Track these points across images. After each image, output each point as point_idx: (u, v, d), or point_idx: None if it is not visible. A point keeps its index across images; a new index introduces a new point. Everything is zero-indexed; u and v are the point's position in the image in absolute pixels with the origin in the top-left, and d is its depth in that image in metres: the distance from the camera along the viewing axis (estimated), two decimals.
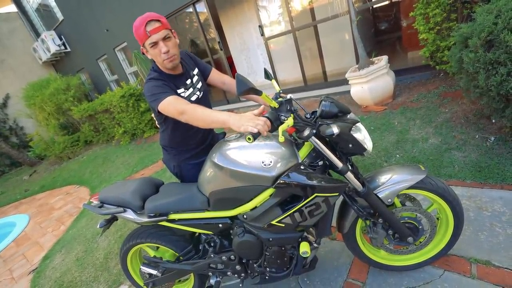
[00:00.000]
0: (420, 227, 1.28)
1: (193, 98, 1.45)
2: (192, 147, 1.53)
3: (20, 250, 3.47)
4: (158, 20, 1.24)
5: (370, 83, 3.15)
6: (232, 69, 6.20)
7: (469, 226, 1.53)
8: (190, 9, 5.58)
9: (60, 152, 7.84)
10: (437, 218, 1.36)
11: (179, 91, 1.38)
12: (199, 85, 1.50)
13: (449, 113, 2.64)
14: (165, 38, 1.27)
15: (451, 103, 2.78)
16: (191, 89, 1.45)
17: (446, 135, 2.36)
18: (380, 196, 1.20)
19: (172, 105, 1.21)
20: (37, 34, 10.15)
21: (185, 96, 1.41)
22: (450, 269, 1.36)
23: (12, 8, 10.30)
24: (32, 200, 5.57)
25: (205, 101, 1.53)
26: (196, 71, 1.51)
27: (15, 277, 2.85)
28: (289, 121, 1.00)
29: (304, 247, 1.22)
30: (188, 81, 1.45)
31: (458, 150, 2.15)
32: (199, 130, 1.45)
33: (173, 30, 1.34)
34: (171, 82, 1.34)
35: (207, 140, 1.59)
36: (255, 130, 0.95)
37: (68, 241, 3.17)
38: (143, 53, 1.35)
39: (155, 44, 1.26)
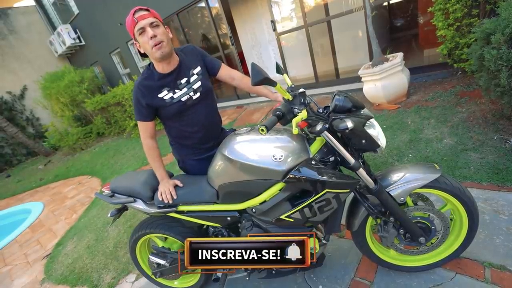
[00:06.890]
0: (433, 227, 1.25)
1: (184, 98, 1.36)
2: (191, 146, 1.50)
3: (34, 236, 3.59)
4: (147, 10, 1.26)
5: (383, 80, 3.07)
6: (243, 65, 6.17)
7: (484, 229, 1.48)
8: (203, 4, 5.57)
9: (74, 143, 8.05)
10: (451, 219, 1.32)
11: (160, 95, 1.34)
12: (197, 85, 1.40)
13: (466, 113, 2.55)
14: (152, 25, 1.24)
15: (468, 102, 2.68)
16: (184, 89, 1.37)
17: (462, 136, 2.28)
18: (392, 194, 1.17)
19: (140, 130, 1.44)
20: (53, 28, 10.39)
21: (174, 96, 1.35)
22: (463, 272, 1.33)
23: (30, 1, 10.57)
24: (46, 188, 5.75)
25: (203, 102, 1.43)
26: (198, 69, 1.42)
27: (30, 261, 2.96)
28: (303, 114, 0.99)
29: (313, 243, 1.21)
30: (183, 80, 1.37)
31: (475, 151, 2.08)
32: (198, 131, 1.44)
33: (166, 26, 1.32)
34: (155, 86, 1.34)
35: (211, 139, 1.51)
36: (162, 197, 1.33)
37: (80, 229, 3.26)
38: (139, 52, 1.36)
39: (142, 30, 1.24)
